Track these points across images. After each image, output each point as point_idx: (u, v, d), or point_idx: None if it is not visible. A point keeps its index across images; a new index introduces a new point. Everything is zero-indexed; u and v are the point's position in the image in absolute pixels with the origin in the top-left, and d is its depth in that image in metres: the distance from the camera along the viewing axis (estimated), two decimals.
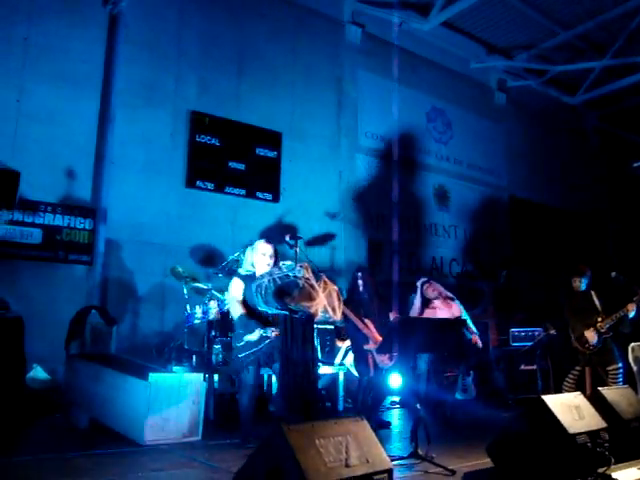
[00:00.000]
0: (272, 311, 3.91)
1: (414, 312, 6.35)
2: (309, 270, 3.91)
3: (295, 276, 3.79)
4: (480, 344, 6.34)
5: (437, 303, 6.40)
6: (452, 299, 6.50)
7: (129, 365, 5.43)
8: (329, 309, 3.87)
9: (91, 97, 7.49)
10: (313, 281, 3.85)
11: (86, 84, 7.45)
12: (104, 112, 7.55)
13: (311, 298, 3.79)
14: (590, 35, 10.70)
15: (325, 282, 3.96)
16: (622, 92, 11.95)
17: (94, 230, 7.28)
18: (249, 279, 4.25)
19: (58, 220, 7.03)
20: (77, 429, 5.27)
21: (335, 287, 4.05)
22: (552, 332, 6.51)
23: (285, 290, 3.76)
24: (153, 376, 4.85)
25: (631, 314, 6.03)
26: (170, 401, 4.92)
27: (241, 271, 4.47)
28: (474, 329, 6.36)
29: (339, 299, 4.00)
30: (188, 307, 6.64)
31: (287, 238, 4.51)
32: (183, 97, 8.21)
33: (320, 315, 3.90)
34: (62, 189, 7.19)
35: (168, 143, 8.02)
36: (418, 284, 6.55)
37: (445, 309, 6.36)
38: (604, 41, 10.82)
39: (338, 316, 3.99)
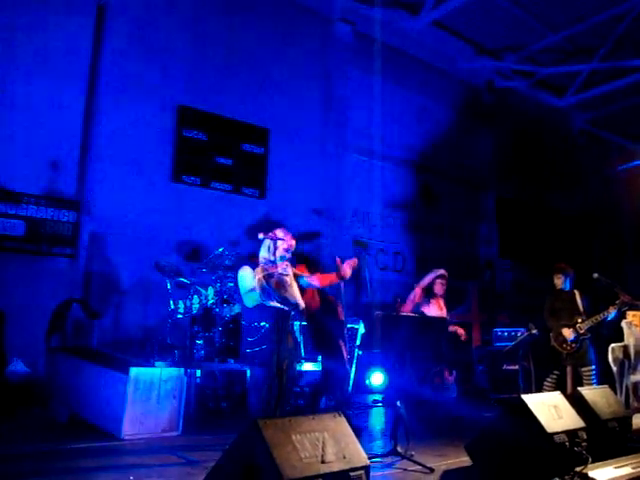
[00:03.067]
0: (269, 305, 4.17)
1: (411, 295, 6.53)
2: (290, 267, 4.28)
3: (281, 274, 4.17)
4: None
5: (433, 300, 6.54)
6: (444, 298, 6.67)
7: (110, 359, 5.39)
8: (298, 300, 4.26)
9: (77, 89, 7.41)
10: (291, 277, 4.26)
11: (72, 75, 7.38)
12: (90, 104, 7.49)
13: (295, 293, 4.20)
14: (578, 38, 10.74)
15: (294, 275, 4.33)
16: (609, 95, 12.02)
17: (78, 223, 7.22)
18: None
19: (41, 212, 6.96)
20: (57, 423, 5.23)
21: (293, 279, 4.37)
22: (534, 332, 6.55)
23: (280, 283, 4.13)
24: (133, 370, 4.83)
25: (610, 316, 6.09)
26: (150, 395, 4.90)
27: (261, 259, 4.43)
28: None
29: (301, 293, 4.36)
30: (172, 302, 6.60)
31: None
32: (171, 91, 8.15)
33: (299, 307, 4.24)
34: (46, 181, 7.12)
35: (155, 137, 7.96)
36: (435, 274, 6.66)
37: (437, 308, 6.50)
38: (592, 44, 10.86)
39: (302, 305, 4.32)
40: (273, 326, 4.25)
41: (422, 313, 6.46)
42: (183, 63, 8.29)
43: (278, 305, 4.18)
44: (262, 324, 4.16)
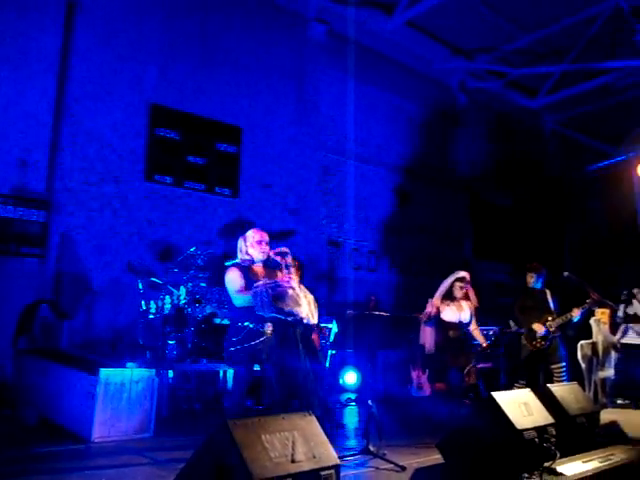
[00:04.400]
0: (268, 315, 4.18)
1: (436, 296, 6.35)
2: (295, 280, 4.34)
3: (284, 286, 4.22)
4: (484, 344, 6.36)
5: (453, 304, 6.32)
6: (468, 300, 6.43)
7: (79, 360, 5.31)
8: (310, 315, 4.42)
9: (47, 85, 7.29)
10: (299, 290, 4.29)
11: (41, 72, 7.25)
12: (60, 101, 7.37)
13: (298, 304, 4.22)
14: (550, 40, 10.86)
15: (305, 292, 4.44)
16: (579, 97, 12.20)
17: (48, 223, 7.10)
18: (246, 270, 4.36)
19: (9, 212, 6.82)
20: (25, 426, 5.13)
21: (312, 296, 4.57)
22: (514, 329, 6.55)
23: (279, 297, 4.16)
24: (103, 371, 4.77)
25: (575, 318, 6.17)
26: (121, 397, 4.84)
27: (238, 261, 4.55)
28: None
29: (316, 307, 4.57)
30: (143, 302, 6.53)
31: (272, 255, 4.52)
32: (143, 89, 8.05)
33: (305, 320, 4.32)
34: (14, 180, 6.98)
35: (127, 135, 7.87)
36: (453, 277, 6.42)
37: (456, 311, 6.29)
38: (563, 46, 11.02)
39: (315, 321, 4.54)
40: (275, 334, 4.30)
41: (439, 320, 6.30)
42: (156, 61, 8.19)
43: (274, 315, 4.20)
44: (246, 324, 4.13)
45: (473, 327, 6.37)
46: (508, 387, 6.56)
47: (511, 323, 6.41)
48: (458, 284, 6.36)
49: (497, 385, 7.32)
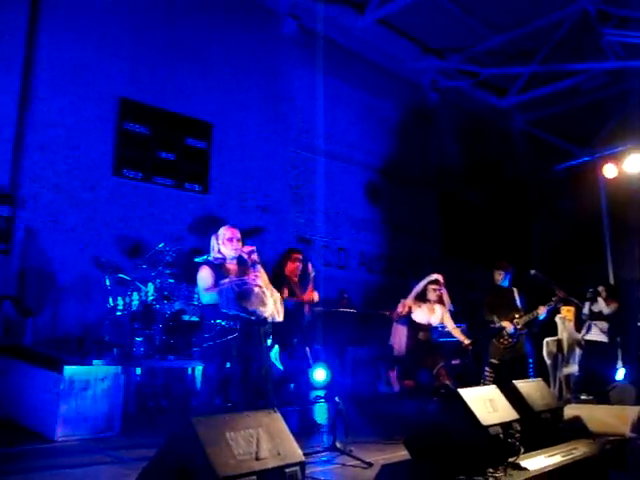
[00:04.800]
0: (232, 313, 4.16)
1: (409, 296, 6.36)
2: (262, 277, 4.31)
3: (250, 284, 4.20)
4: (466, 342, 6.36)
5: (425, 305, 6.32)
6: (441, 304, 6.43)
7: (43, 358, 5.20)
8: (275, 313, 4.31)
9: (11, 77, 7.10)
10: (265, 288, 4.26)
11: (5, 63, 7.07)
12: (26, 94, 7.20)
13: (264, 303, 4.19)
14: (520, 41, 11.00)
15: (271, 290, 4.37)
16: (547, 98, 12.39)
17: (12, 217, 6.94)
18: (217, 267, 4.37)
19: None
20: None
21: (278, 294, 4.47)
22: (497, 325, 6.58)
23: (244, 295, 4.14)
24: (68, 369, 4.70)
25: (541, 316, 6.28)
26: (86, 395, 4.78)
27: (210, 259, 4.57)
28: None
29: (282, 305, 4.46)
30: (111, 299, 6.44)
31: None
32: (112, 82, 7.91)
33: (270, 319, 4.28)
34: None
35: (95, 129, 7.72)
36: (426, 280, 6.42)
37: (427, 313, 6.30)
38: (533, 48, 11.16)
39: (281, 318, 4.42)
40: (239, 332, 4.27)
41: (410, 320, 6.31)
42: (125, 54, 8.05)
43: (237, 313, 4.17)
44: (218, 321, 4.14)
45: (451, 327, 6.42)
46: (471, 384, 6.63)
47: (495, 319, 6.45)
48: (432, 287, 6.38)
49: (477, 382, 7.40)
